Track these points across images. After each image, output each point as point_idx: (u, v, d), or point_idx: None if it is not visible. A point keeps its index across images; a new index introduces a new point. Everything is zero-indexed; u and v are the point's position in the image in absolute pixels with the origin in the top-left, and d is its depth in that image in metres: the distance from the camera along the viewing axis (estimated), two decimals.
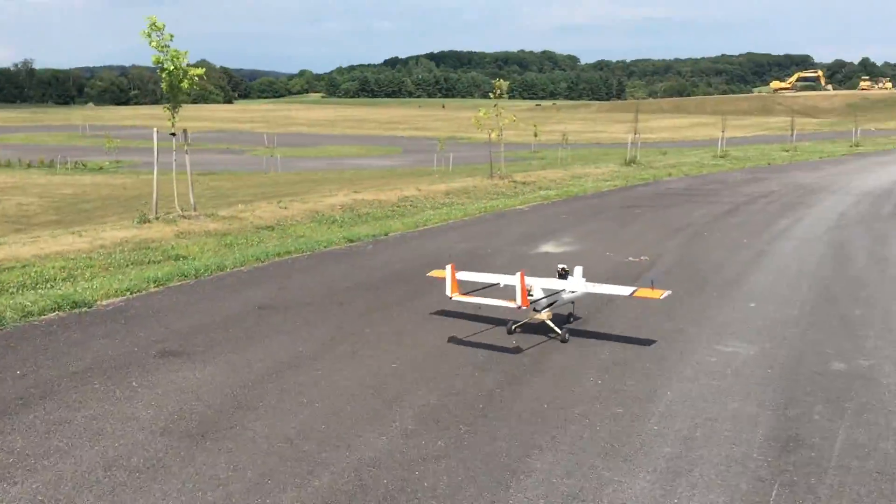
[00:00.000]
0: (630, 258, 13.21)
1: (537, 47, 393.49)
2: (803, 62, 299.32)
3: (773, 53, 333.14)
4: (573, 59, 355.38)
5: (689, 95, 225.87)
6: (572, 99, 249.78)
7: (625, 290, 8.63)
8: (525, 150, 64.63)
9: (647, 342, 8.31)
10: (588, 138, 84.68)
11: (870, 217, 18.91)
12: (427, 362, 7.65)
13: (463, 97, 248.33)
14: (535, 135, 67.60)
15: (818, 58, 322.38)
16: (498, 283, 8.84)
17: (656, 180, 29.07)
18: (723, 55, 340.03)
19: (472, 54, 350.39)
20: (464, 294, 8.31)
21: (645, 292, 8.43)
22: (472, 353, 7.93)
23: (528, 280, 8.08)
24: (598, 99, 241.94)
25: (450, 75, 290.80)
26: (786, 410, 6.37)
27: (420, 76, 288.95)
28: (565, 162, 43.42)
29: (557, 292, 8.57)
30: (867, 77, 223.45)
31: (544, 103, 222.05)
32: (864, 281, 11.54)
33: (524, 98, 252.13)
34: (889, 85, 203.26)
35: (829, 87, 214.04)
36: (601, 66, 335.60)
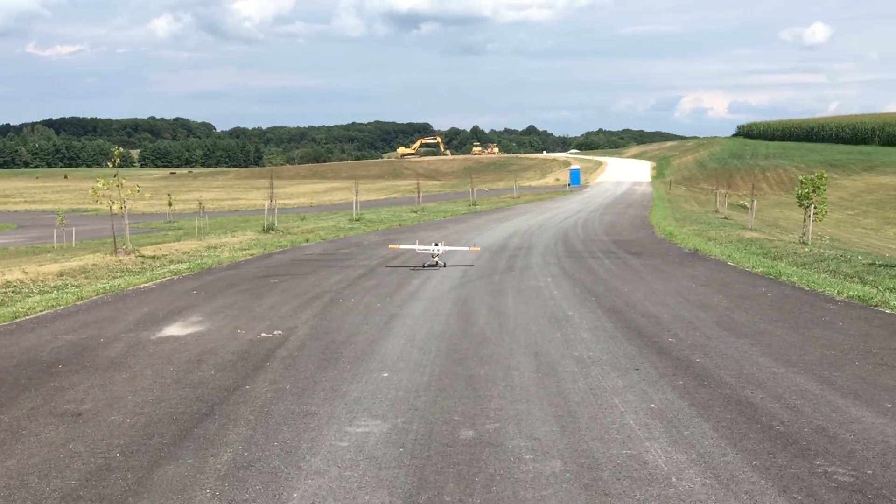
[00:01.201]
0: (263, 334, 12.43)
1: (169, 114, 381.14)
2: (424, 129, 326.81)
3: (398, 122, 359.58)
4: (208, 127, 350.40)
5: (324, 161, 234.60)
6: (209, 166, 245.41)
7: (464, 248, 23.53)
8: (160, 220, 61.40)
9: (276, 431, 7.56)
10: (227, 206, 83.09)
11: (489, 272, 20.31)
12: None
13: (88, 166, 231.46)
14: (170, 204, 64.74)
15: (437, 126, 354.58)
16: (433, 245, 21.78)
17: (294, 246, 28.81)
18: (354, 123, 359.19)
19: (98, 121, 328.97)
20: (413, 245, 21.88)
21: (473, 249, 23.23)
22: (62, 482, 6.51)
23: (431, 247, 21.24)
24: (235, 166, 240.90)
25: (72, 143, 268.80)
26: (418, 496, 6.00)
27: (37, 144, 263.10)
28: (203, 231, 41.65)
29: (438, 250, 21.06)
30: (478, 143, 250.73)
31: (180, 171, 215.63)
32: (487, 337, 12.02)
33: (158, 166, 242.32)
34: (496, 150, 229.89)
35: (448, 152, 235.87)
36: (237, 133, 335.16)
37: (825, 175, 30.34)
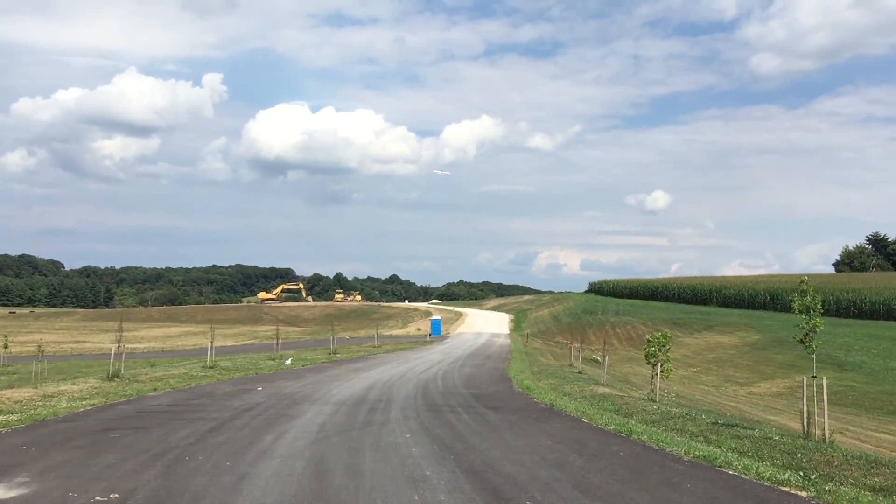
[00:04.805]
0: (97, 497, 11.48)
1: (14, 251, 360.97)
2: (287, 275, 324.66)
3: (260, 266, 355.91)
4: (56, 265, 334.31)
5: (181, 304, 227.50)
6: (54, 306, 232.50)
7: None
8: None
9: None
10: (70, 349, 78.29)
11: (346, 427, 19.83)
12: None
13: None
14: (5, 346, 60.39)
15: (300, 271, 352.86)
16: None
17: (140, 396, 27.20)
18: (214, 266, 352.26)
19: None
20: None
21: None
22: None
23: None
24: (83, 306, 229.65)
25: None
26: None
27: None
28: (40, 377, 38.71)
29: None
30: (341, 290, 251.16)
31: (20, 310, 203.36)
32: (342, 500, 11.59)
33: None
34: (359, 297, 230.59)
35: (310, 298, 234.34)
36: (88, 272, 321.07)
37: (669, 334, 32.04)
